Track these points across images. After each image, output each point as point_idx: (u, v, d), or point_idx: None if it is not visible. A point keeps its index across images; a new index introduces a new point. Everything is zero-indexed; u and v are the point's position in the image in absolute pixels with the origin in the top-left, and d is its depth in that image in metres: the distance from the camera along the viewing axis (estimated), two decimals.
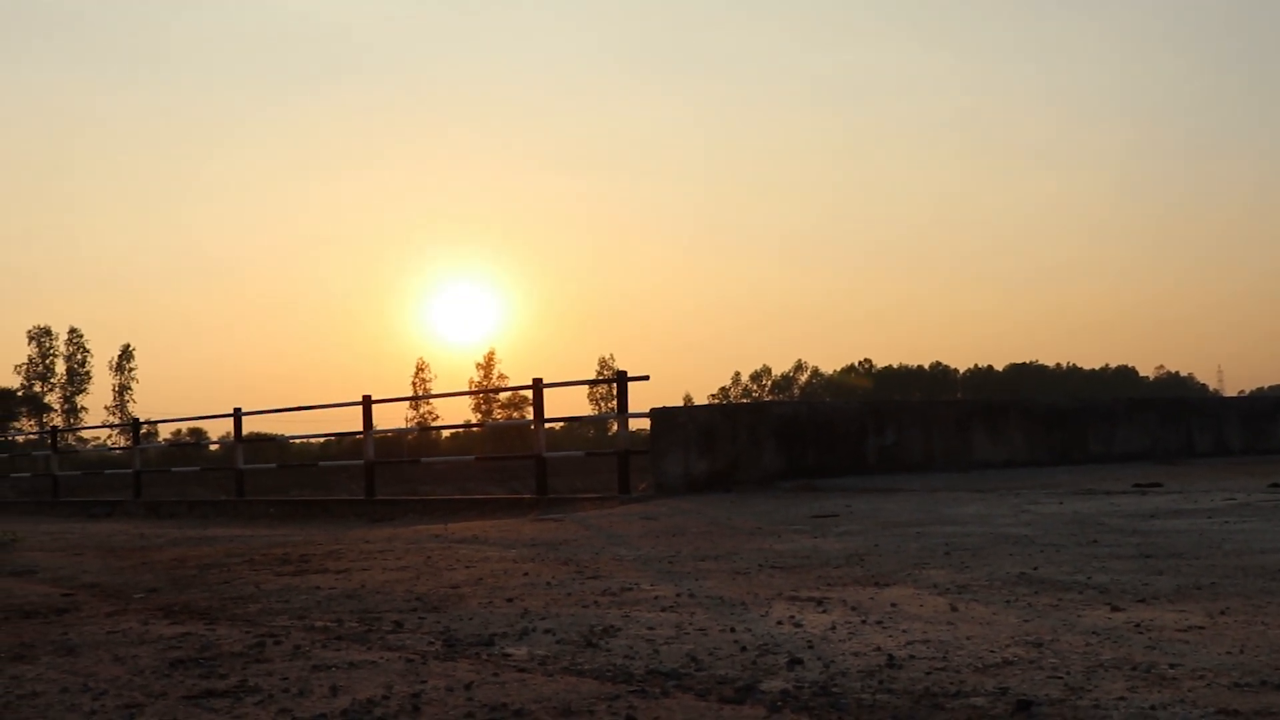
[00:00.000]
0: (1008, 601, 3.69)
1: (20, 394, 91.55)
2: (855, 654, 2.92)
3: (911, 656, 2.85)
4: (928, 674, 2.65)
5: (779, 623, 3.44)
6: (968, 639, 3.06)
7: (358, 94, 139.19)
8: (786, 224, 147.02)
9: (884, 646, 2.99)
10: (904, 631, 3.21)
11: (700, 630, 3.35)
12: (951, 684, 2.55)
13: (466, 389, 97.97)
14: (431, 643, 3.31)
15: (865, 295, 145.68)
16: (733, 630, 3.33)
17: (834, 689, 2.54)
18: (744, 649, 3.03)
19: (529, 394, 14.49)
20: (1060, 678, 2.57)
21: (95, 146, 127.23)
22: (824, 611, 3.62)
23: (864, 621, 3.41)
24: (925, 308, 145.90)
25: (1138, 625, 3.19)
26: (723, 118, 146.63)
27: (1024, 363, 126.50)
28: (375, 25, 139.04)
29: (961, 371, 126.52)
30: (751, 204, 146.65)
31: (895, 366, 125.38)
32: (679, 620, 3.54)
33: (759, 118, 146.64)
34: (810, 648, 3.02)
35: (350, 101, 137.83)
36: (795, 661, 2.84)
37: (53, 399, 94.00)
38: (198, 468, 31.42)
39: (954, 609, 3.58)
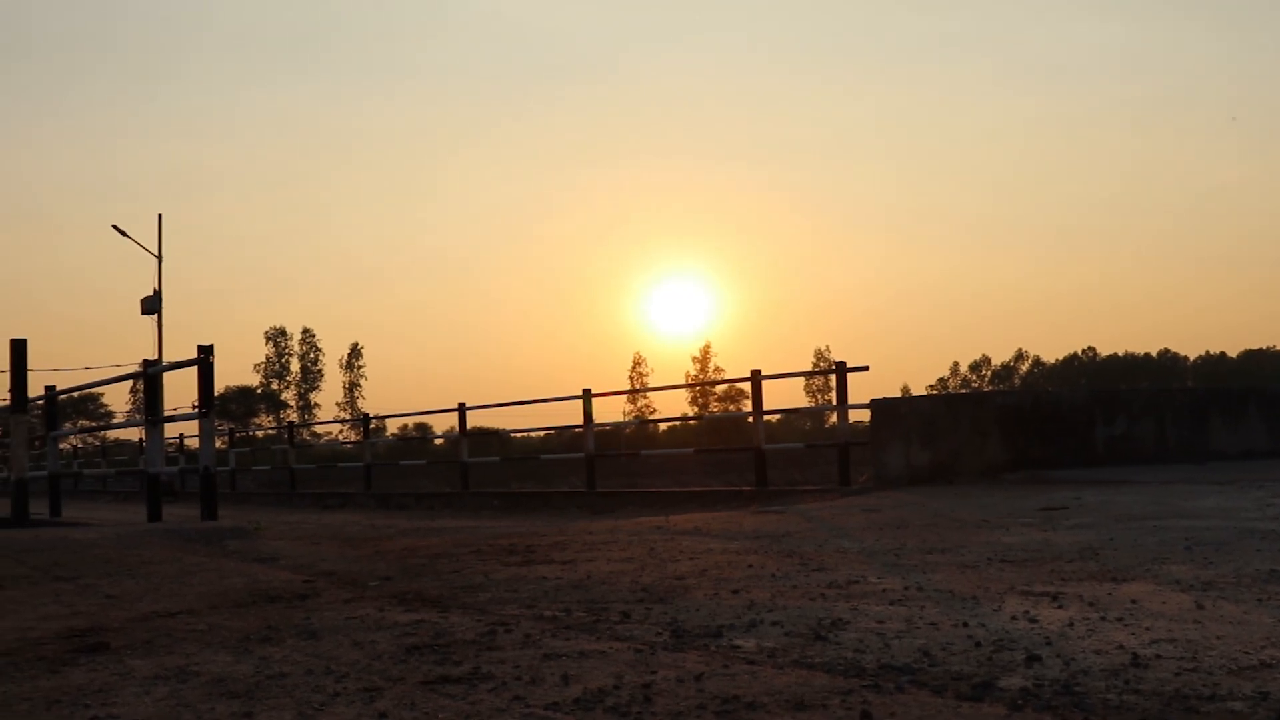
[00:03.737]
0: (1259, 600, 3.50)
1: (259, 391, 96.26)
2: (1096, 652, 2.81)
3: (1158, 656, 2.73)
4: (1176, 675, 2.53)
5: (1013, 618, 3.33)
6: (1218, 639, 2.91)
7: (577, 96, 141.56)
8: (1005, 210, 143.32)
9: (1127, 645, 2.87)
10: (1147, 629, 3.07)
11: (931, 624, 3.28)
12: (1204, 686, 2.42)
13: (683, 382, 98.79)
14: (659, 633, 3.32)
15: (1088, 282, 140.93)
16: (965, 625, 3.25)
17: (1076, 688, 2.45)
18: (978, 645, 2.95)
19: (745, 386, 14.51)
20: None
21: (329, 154, 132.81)
22: (1060, 607, 3.50)
23: (1103, 618, 3.28)
24: (1152, 294, 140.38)
25: None
26: (941, 102, 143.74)
27: (1260, 349, 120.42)
28: (590, 28, 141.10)
29: (1191, 359, 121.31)
30: (967, 190, 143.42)
31: (1120, 355, 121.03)
32: (908, 614, 3.47)
33: (977, 101, 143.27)
34: (1048, 644, 2.92)
35: (570, 103, 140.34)
36: (1033, 658, 2.75)
37: (288, 396, 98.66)
38: (424, 461, 32.46)
39: (1200, 607, 3.41)
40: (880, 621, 3.36)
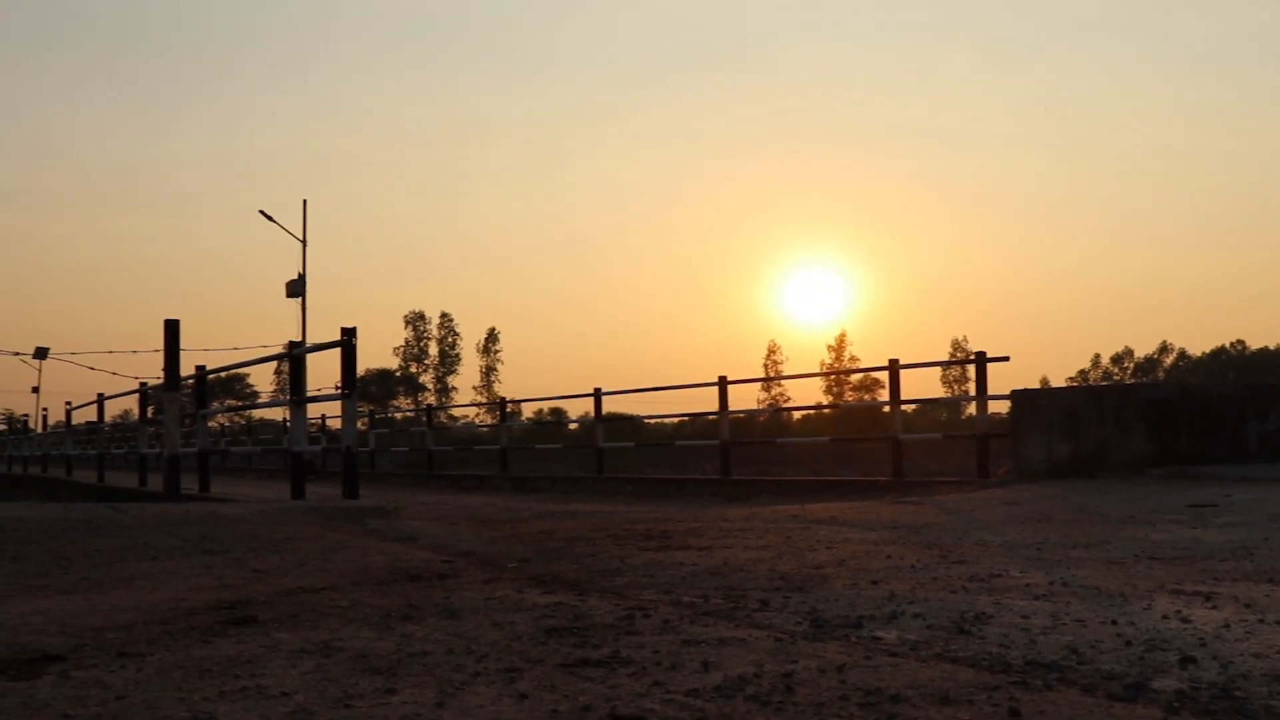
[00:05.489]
0: None
1: (398, 374, 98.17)
2: (1256, 655, 2.70)
3: None
4: None
5: (1164, 617, 3.23)
6: None
7: (715, 82, 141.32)
8: (1150, 198, 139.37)
9: None
10: None
11: (1078, 621, 3.19)
12: None
13: (818, 370, 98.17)
14: (799, 623, 3.28)
15: (1237, 272, 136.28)
16: (1114, 623, 3.16)
17: (1236, 692, 2.36)
18: (1128, 644, 2.86)
19: (879, 375, 14.40)
20: None
21: (468, 140, 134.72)
22: (1213, 608, 3.39)
23: (1261, 621, 3.16)
24: None
25: None
26: (1087, 87, 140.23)
27: None
28: (728, 13, 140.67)
29: None
30: (1111, 177, 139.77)
31: (1272, 348, 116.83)
32: (1054, 610, 3.39)
33: (1124, 86, 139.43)
34: (1203, 646, 2.82)
35: (707, 90, 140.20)
36: (1188, 660, 2.66)
37: (426, 379, 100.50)
38: (559, 445, 32.74)
39: None
40: (1025, 617, 3.28)
